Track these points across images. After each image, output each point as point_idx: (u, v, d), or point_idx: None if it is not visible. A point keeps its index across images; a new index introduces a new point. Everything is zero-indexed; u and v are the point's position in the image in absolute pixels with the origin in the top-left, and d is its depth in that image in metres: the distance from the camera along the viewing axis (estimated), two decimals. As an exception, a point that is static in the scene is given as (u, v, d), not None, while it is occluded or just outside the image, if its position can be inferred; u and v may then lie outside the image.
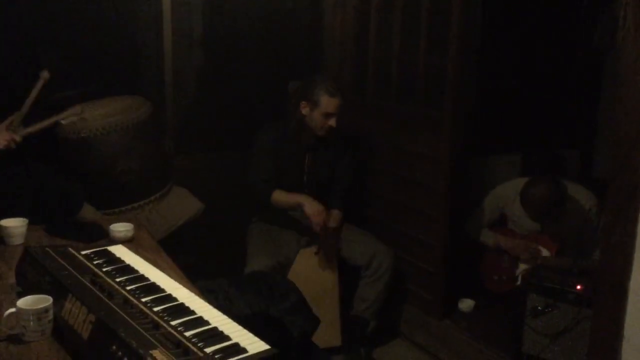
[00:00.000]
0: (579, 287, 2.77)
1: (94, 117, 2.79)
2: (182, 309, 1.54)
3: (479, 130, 3.78)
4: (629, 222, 2.03)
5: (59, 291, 1.61)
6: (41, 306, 1.55)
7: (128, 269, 1.80)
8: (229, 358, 1.34)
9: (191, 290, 1.72)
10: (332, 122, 3.16)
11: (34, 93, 2.72)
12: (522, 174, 3.82)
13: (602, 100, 4.66)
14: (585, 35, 4.57)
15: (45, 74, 2.74)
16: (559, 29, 4.46)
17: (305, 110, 3.17)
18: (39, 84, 2.73)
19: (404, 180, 3.51)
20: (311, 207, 3.11)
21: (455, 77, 3.11)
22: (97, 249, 1.98)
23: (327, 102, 3.13)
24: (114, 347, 1.33)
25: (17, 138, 2.59)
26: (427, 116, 3.34)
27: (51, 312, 1.57)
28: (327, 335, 3.11)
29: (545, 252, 3.29)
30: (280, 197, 3.19)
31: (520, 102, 4.25)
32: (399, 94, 3.57)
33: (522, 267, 3.32)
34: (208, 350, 1.35)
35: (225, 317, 1.53)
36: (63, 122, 2.77)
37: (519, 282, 3.28)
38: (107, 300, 1.54)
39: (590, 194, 3.28)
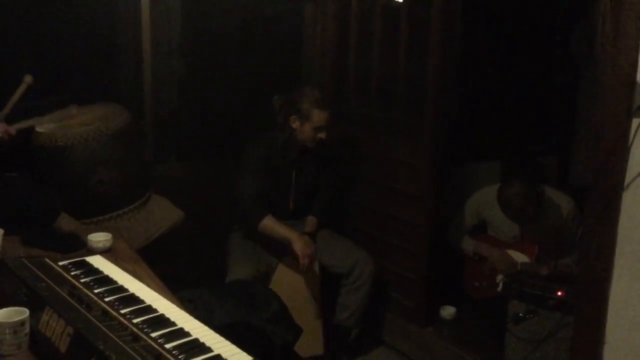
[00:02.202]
0: (559, 293, 2.78)
1: (71, 125, 2.75)
2: (163, 321, 1.52)
3: (459, 137, 3.80)
4: (609, 228, 2.04)
5: (35, 303, 1.58)
6: (17, 319, 1.51)
7: (107, 280, 1.77)
8: (211, 370, 1.32)
9: (171, 301, 1.69)
10: (322, 134, 3.14)
11: (16, 96, 2.71)
12: (501, 181, 3.83)
13: (579, 106, 4.71)
14: (562, 42, 4.63)
15: (28, 78, 2.73)
16: (537, 37, 4.51)
17: (295, 124, 3.14)
18: (22, 88, 2.72)
19: (384, 187, 3.51)
20: (301, 246, 3.05)
21: (435, 85, 3.13)
22: (75, 259, 1.95)
23: (319, 116, 3.10)
24: (93, 360, 1.31)
25: (13, 131, 2.55)
26: (407, 124, 3.35)
27: (28, 325, 1.53)
28: (310, 344, 3.09)
29: (524, 259, 3.30)
30: (269, 225, 3.11)
31: (499, 110, 4.29)
32: (380, 102, 3.58)
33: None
34: (189, 362, 1.33)
35: (206, 328, 1.50)
36: (39, 129, 2.73)
37: (500, 289, 3.29)
38: (85, 312, 1.51)
39: (569, 198, 3.31)
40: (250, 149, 3.20)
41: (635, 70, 1.93)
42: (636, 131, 1.93)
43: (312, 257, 3.09)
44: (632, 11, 1.91)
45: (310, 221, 3.31)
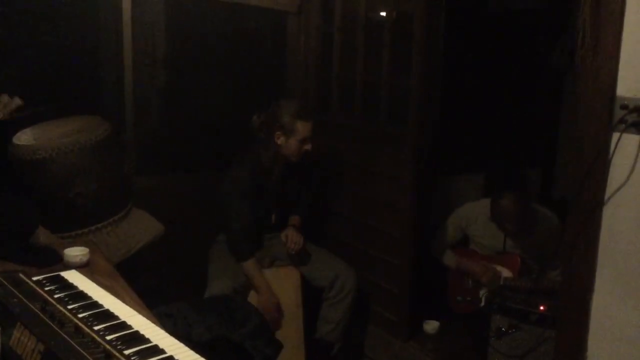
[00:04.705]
0: (542, 307, 2.78)
1: (50, 137, 2.71)
2: (137, 338, 1.48)
3: (443, 150, 3.80)
4: (589, 242, 2.04)
5: (7, 319, 1.54)
6: (-13, 336, 1.48)
7: (81, 296, 1.73)
8: (185, 388, 1.29)
9: (148, 317, 1.66)
10: (308, 146, 3.11)
11: None
12: (485, 193, 3.84)
13: (562, 119, 4.75)
14: (545, 55, 4.66)
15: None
16: (519, 50, 4.53)
17: (280, 140, 3.09)
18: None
19: (367, 199, 3.50)
20: (264, 300, 3.03)
21: (418, 97, 3.13)
22: (50, 274, 1.90)
23: (303, 128, 3.06)
24: (63, 379, 1.27)
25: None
26: (391, 135, 3.34)
27: (-2, 342, 1.50)
28: (291, 359, 3.06)
29: (506, 273, 3.30)
30: (250, 269, 3.09)
31: (483, 123, 4.30)
32: (363, 113, 3.57)
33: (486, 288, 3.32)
34: (163, 381, 1.30)
35: (182, 345, 1.47)
36: (17, 142, 2.69)
37: (482, 303, 3.28)
38: (57, 328, 1.47)
39: (552, 214, 3.32)
40: (235, 174, 3.13)
41: (615, 83, 1.93)
42: (616, 145, 1.93)
43: (275, 310, 3.06)
44: (612, 24, 1.91)
45: (294, 219, 3.30)
